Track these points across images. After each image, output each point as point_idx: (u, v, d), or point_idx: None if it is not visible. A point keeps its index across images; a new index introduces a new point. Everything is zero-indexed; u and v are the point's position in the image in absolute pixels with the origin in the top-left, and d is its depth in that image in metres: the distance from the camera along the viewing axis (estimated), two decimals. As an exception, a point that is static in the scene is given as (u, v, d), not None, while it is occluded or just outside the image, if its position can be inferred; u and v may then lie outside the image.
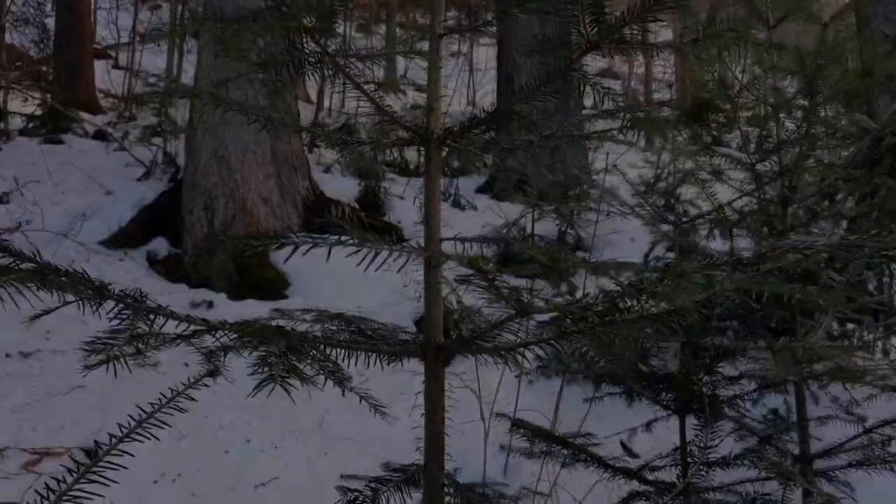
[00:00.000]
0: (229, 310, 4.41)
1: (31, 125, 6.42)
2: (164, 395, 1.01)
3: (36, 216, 4.89)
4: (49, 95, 6.55)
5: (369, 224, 5.35)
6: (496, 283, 0.97)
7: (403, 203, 5.70)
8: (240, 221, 4.86)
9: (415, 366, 3.87)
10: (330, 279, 4.75)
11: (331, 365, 1.20)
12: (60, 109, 5.84)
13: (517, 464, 3.21)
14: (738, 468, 2.12)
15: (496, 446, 3.31)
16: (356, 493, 1.09)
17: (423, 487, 1.18)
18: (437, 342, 1.21)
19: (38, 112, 6.59)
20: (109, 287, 1.12)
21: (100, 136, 6.47)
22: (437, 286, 1.22)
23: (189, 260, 4.82)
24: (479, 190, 6.63)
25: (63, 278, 1.01)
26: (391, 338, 1.32)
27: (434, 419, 1.22)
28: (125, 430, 1.09)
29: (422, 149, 1.32)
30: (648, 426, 2.28)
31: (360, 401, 1.58)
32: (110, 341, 1.22)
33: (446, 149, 1.31)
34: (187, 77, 7.05)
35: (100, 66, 10.63)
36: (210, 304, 4.42)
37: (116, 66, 12.28)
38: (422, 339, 1.25)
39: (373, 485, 1.10)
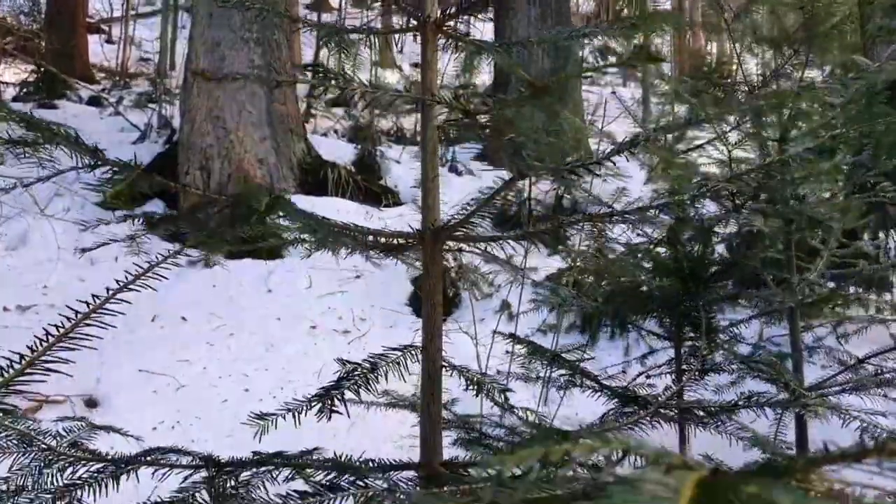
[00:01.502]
0: (226, 269, 4.41)
1: (24, 91, 6.38)
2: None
3: (30, 176, 4.86)
4: (42, 63, 6.49)
5: (366, 187, 5.35)
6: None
7: (400, 167, 5.69)
8: (235, 182, 4.85)
9: (411, 323, 3.85)
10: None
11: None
12: (54, 72, 5.80)
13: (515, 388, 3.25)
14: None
15: (493, 371, 3.32)
16: (355, 365, 1.09)
17: (422, 366, 1.19)
18: (434, 227, 1.21)
19: (32, 78, 6.54)
20: (103, 151, 1.12)
21: (94, 102, 6.43)
22: (433, 168, 1.21)
23: (186, 220, 4.80)
24: (477, 157, 6.62)
25: (57, 135, 1.00)
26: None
27: (432, 303, 1.22)
28: (93, 306, 1.10)
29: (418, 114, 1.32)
30: (644, 358, 2.29)
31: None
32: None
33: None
34: (182, 40, 6.99)
35: (93, 40, 10.54)
36: (207, 263, 4.41)
37: (109, 41, 12.17)
38: (419, 229, 1.25)
39: (372, 359, 1.11)
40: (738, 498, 0.31)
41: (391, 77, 11.01)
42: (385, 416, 2.67)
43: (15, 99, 6.46)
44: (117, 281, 1.11)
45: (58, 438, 1.41)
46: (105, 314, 1.06)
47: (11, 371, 0.94)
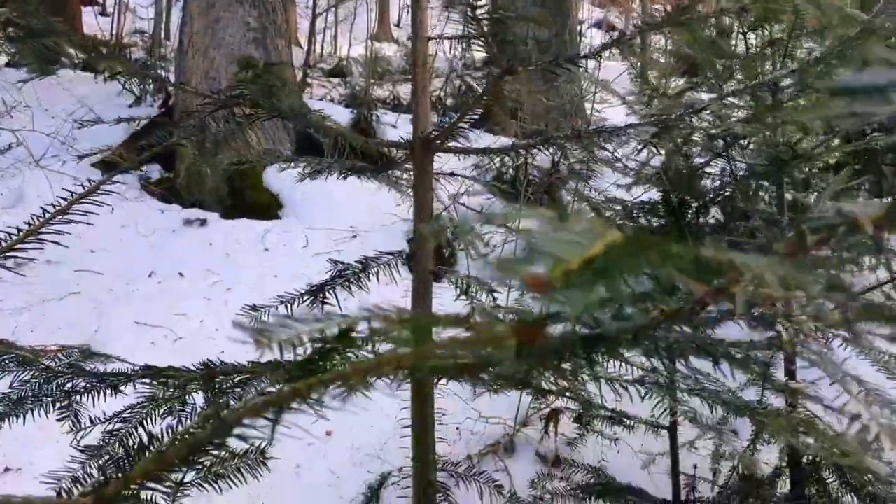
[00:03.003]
0: (222, 227, 4.43)
1: (18, 56, 6.33)
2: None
3: (26, 138, 4.86)
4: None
5: (362, 152, 5.35)
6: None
7: (396, 132, 5.68)
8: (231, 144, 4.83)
9: (408, 282, 3.89)
10: (322, 202, 4.77)
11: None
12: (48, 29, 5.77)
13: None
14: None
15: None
16: (347, 265, 1.12)
17: (413, 272, 1.22)
18: (424, 137, 1.23)
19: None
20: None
21: (89, 67, 6.39)
22: (424, 80, 1.23)
23: (181, 182, 4.81)
24: (474, 125, 6.62)
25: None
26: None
27: (421, 214, 1.25)
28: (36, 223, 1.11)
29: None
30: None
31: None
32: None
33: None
34: (177, 11, 6.94)
35: (87, 12, 10.46)
36: (203, 222, 4.43)
37: (104, 13, 12.07)
38: (409, 137, 1.27)
39: (363, 260, 1.13)
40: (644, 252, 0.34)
41: (388, 50, 10.95)
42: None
43: (9, 64, 6.43)
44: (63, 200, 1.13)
45: (56, 361, 1.45)
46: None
47: None
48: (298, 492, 2.82)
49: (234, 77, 1.13)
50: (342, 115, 5.60)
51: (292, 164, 1.38)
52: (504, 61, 1.07)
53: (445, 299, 1.70)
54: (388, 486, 2.80)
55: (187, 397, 1.21)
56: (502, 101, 5.67)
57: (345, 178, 1.47)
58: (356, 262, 1.15)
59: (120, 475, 0.54)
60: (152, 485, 0.57)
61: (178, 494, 1.20)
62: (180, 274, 3.92)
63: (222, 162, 4.77)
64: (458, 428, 3.09)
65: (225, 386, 1.23)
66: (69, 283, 3.75)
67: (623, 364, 0.97)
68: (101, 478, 0.94)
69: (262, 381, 1.30)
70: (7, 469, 2.74)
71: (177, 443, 0.61)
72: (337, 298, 1.08)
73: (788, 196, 2.26)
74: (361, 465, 2.92)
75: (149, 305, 3.57)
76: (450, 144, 1.26)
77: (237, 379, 1.25)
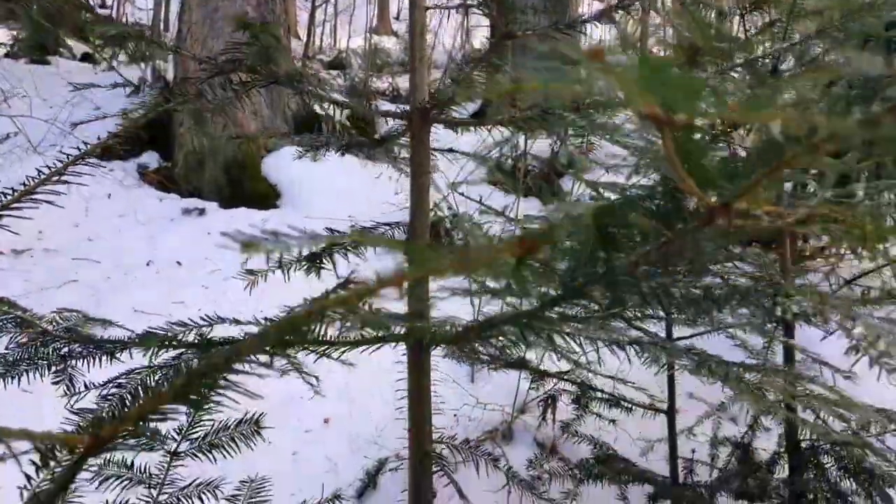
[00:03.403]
0: (221, 216, 4.42)
1: (16, 47, 6.32)
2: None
3: (25, 127, 4.85)
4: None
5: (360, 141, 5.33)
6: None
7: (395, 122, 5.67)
8: (230, 133, 4.83)
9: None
10: (320, 192, 4.76)
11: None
12: (45, 25, 5.75)
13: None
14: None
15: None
16: (343, 233, 1.11)
17: (408, 235, 1.21)
18: (422, 107, 1.22)
19: (24, 34, 6.48)
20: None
21: (87, 58, 6.38)
22: (421, 49, 1.22)
23: (180, 171, 4.80)
24: (475, 115, 6.61)
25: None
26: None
27: (418, 181, 1.24)
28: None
29: None
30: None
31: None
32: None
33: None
34: (175, 2, 6.92)
35: (86, 2, 10.40)
36: (202, 212, 4.42)
37: (103, 5, 12.04)
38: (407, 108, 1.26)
39: (368, 224, 1.13)
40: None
41: (388, 42, 10.93)
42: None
43: (7, 55, 6.41)
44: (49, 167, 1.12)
45: (54, 324, 1.44)
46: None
47: None
48: (296, 478, 2.81)
49: (230, 40, 1.12)
50: (341, 106, 5.58)
51: (290, 139, 1.37)
52: (504, 26, 1.06)
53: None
54: (385, 472, 2.80)
55: (183, 365, 1.20)
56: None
57: (342, 153, 1.46)
58: (351, 226, 1.14)
59: (117, 415, 0.53)
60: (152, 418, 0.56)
61: (173, 464, 1.20)
62: (178, 263, 3.91)
63: (220, 136, 4.75)
64: (455, 414, 3.08)
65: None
66: (67, 271, 3.74)
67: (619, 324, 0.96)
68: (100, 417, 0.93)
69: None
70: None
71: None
72: (334, 264, 1.07)
73: (788, 185, 2.25)
74: (359, 452, 2.92)
75: (146, 293, 3.56)
76: (448, 118, 1.25)
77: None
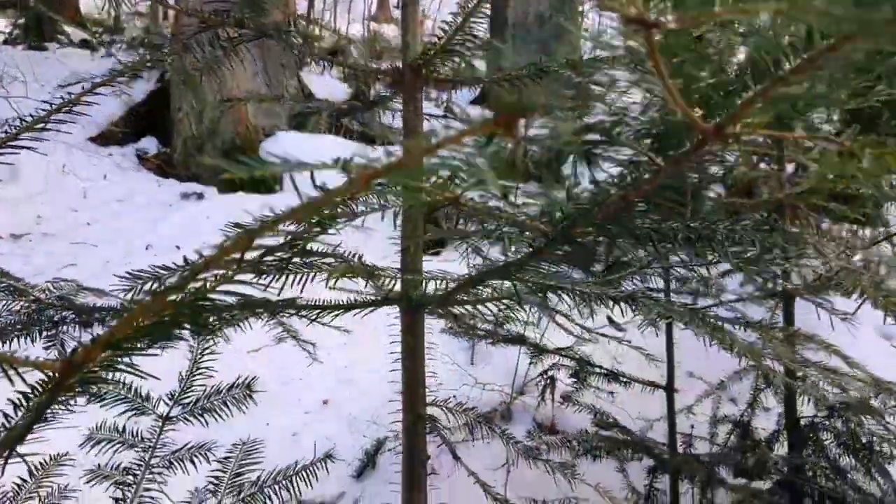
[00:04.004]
0: (219, 201, 4.41)
1: (14, 33, 6.30)
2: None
3: (22, 111, 4.83)
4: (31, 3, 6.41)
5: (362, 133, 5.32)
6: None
7: (395, 106, 5.64)
8: (227, 118, 4.81)
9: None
10: (321, 179, 4.74)
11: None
12: (44, 10, 5.73)
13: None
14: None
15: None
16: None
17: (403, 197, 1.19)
18: (414, 64, 1.20)
19: (21, 20, 6.45)
20: None
21: (85, 44, 6.35)
22: (415, 5, 1.20)
23: (178, 157, 4.79)
24: (474, 101, 6.58)
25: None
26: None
27: (412, 144, 1.21)
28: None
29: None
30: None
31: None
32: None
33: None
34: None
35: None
36: (200, 196, 4.41)
37: (101, -6, 11.97)
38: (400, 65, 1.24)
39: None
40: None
41: (388, 30, 10.88)
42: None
43: (5, 42, 6.38)
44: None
45: (46, 293, 1.43)
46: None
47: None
48: (295, 458, 2.81)
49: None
50: (339, 90, 5.56)
51: (280, 101, 1.35)
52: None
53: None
54: (384, 452, 2.80)
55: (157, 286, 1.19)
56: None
57: (337, 118, 1.44)
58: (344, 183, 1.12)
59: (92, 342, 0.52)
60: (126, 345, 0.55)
61: (165, 427, 1.19)
62: (177, 247, 3.90)
63: (209, 98, 4.73)
64: (454, 395, 3.07)
65: (212, 319, 1.21)
66: (66, 255, 3.73)
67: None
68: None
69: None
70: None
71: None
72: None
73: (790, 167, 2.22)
74: (358, 433, 2.91)
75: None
76: (442, 76, 1.23)
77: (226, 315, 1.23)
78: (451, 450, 1.38)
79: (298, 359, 3.32)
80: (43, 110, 1.01)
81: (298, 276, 1.08)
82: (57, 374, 0.53)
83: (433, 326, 2.17)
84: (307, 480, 1.25)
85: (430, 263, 3.67)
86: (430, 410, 1.22)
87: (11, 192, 4.29)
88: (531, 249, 0.79)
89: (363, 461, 2.70)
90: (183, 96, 4.87)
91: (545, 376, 2.26)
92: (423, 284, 1.16)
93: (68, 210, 4.13)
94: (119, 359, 0.57)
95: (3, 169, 4.48)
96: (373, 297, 1.22)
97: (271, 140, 4.82)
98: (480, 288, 1.20)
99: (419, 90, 1.22)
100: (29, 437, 0.59)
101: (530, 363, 3.06)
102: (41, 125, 0.95)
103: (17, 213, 4.07)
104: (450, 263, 3.49)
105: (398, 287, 1.20)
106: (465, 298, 1.27)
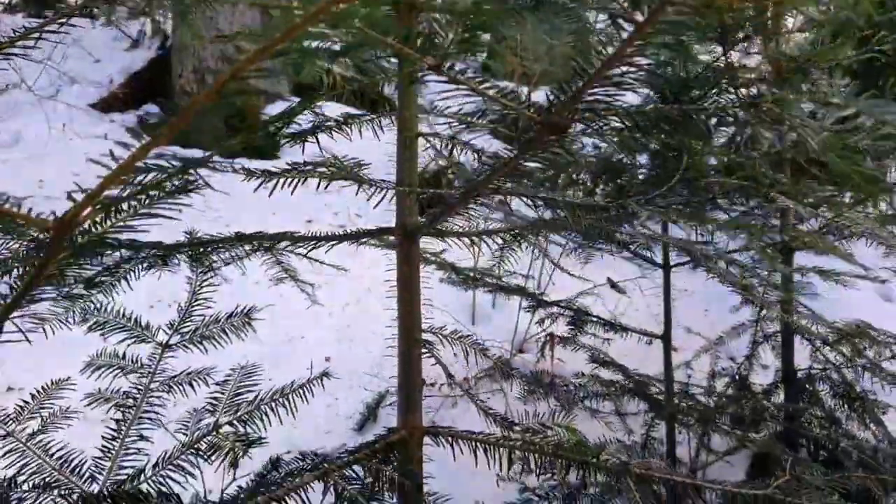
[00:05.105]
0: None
1: (13, 1, 6.27)
2: None
3: (21, 69, 4.83)
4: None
5: (361, 93, 5.29)
6: None
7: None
8: (231, 85, 4.79)
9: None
10: (323, 142, 4.73)
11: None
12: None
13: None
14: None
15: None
16: (327, 118, 1.10)
17: (399, 134, 1.20)
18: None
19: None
20: None
21: (85, 12, 6.32)
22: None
23: (180, 123, 4.78)
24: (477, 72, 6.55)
25: None
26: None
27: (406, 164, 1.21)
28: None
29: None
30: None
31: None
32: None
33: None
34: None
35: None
36: (202, 162, 4.40)
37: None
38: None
39: (344, 115, 1.12)
40: None
41: None
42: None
43: (4, 10, 6.35)
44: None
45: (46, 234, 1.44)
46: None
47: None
48: (297, 413, 2.84)
49: None
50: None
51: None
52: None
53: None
54: (385, 406, 2.83)
55: (170, 259, 1.21)
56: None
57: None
58: (336, 116, 1.13)
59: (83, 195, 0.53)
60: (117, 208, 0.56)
61: (165, 354, 1.21)
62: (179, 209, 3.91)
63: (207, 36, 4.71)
64: (455, 353, 3.10)
65: (209, 249, 1.23)
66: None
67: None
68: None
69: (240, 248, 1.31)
70: (10, 388, 2.77)
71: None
72: (318, 142, 1.07)
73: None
74: (359, 388, 2.95)
75: (147, 240, 3.57)
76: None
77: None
78: (446, 371, 1.40)
79: (302, 320, 3.35)
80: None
81: (289, 180, 1.09)
82: (51, 232, 0.55)
83: (432, 275, 2.19)
84: (304, 397, 1.27)
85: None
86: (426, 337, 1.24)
87: (14, 156, 4.30)
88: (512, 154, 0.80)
89: (364, 414, 2.73)
90: (184, 63, 4.86)
91: (544, 328, 2.28)
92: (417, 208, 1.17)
93: (71, 175, 4.14)
94: (109, 220, 0.58)
95: (6, 133, 4.49)
96: (368, 229, 1.23)
97: (273, 107, 4.81)
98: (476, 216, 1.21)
99: (413, 17, 1.21)
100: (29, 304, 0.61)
101: (530, 322, 3.09)
102: (36, 35, 0.95)
103: (20, 177, 4.09)
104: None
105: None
106: (463, 231, 1.28)
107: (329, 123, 1.11)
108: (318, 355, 3.16)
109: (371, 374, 2.94)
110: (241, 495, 0.83)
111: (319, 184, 1.18)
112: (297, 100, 4.96)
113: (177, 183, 0.67)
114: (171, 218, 0.66)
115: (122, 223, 0.64)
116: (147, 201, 0.66)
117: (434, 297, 1.62)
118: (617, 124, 0.75)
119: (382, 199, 1.18)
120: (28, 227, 0.55)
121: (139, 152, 0.53)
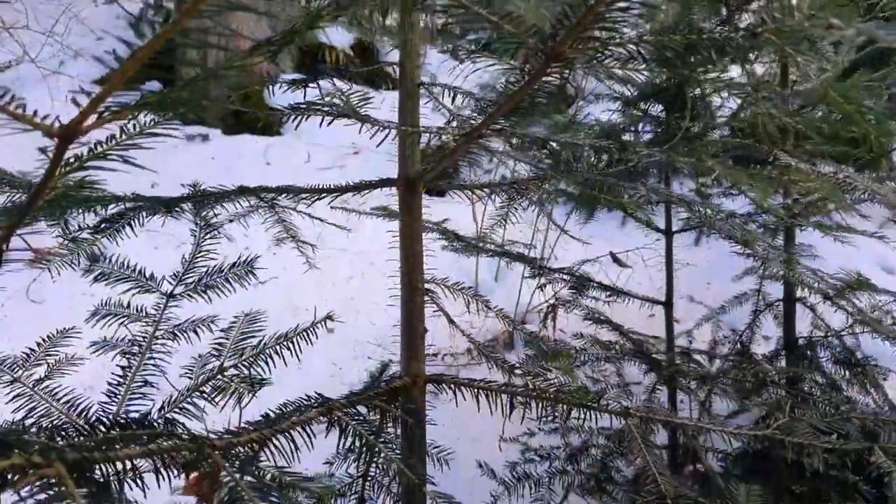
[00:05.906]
0: (224, 143, 4.41)
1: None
2: None
3: (25, 43, 4.83)
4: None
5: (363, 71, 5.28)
6: None
7: (398, 53, 5.59)
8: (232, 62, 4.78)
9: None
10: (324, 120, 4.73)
11: None
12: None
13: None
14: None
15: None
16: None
17: (400, 86, 1.20)
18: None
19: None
20: None
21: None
22: None
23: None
24: (483, 47, 6.51)
25: None
26: None
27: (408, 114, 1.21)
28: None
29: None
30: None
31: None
32: None
33: None
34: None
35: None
36: (205, 138, 4.41)
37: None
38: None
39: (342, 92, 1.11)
40: None
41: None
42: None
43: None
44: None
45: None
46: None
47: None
48: (301, 381, 2.86)
49: None
50: (345, 36, 5.51)
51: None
52: None
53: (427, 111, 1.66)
54: (388, 374, 2.85)
55: (174, 211, 1.21)
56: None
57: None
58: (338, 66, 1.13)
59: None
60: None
61: (169, 304, 1.22)
62: (182, 186, 3.92)
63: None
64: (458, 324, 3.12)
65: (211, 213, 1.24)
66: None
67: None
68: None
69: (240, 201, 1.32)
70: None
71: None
72: (319, 87, 1.08)
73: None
74: (363, 357, 2.97)
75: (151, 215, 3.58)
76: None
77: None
78: (449, 319, 1.41)
79: (306, 292, 3.37)
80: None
81: (293, 117, 1.10)
82: (56, 140, 0.55)
83: (435, 246, 2.20)
84: (308, 339, 1.28)
85: (433, 205, 3.67)
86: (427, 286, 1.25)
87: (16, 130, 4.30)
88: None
89: (367, 383, 2.75)
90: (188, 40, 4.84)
91: (546, 299, 2.28)
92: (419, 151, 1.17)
93: (71, 149, 4.14)
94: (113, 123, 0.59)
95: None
96: (370, 180, 1.24)
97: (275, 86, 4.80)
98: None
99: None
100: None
101: (532, 294, 3.09)
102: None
103: (23, 151, 4.09)
104: (453, 205, 3.50)
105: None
106: (465, 184, 1.28)
107: (330, 72, 1.12)
108: (320, 327, 3.19)
109: (375, 345, 2.96)
110: (249, 427, 0.84)
111: (322, 122, 1.17)
112: (298, 77, 4.96)
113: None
114: (171, 136, 0.66)
115: (128, 140, 0.65)
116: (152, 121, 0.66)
117: (437, 274, 1.63)
118: (622, 52, 0.75)
119: (385, 139, 1.19)
120: (33, 131, 0.55)
121: (132, 63, 0.53)
